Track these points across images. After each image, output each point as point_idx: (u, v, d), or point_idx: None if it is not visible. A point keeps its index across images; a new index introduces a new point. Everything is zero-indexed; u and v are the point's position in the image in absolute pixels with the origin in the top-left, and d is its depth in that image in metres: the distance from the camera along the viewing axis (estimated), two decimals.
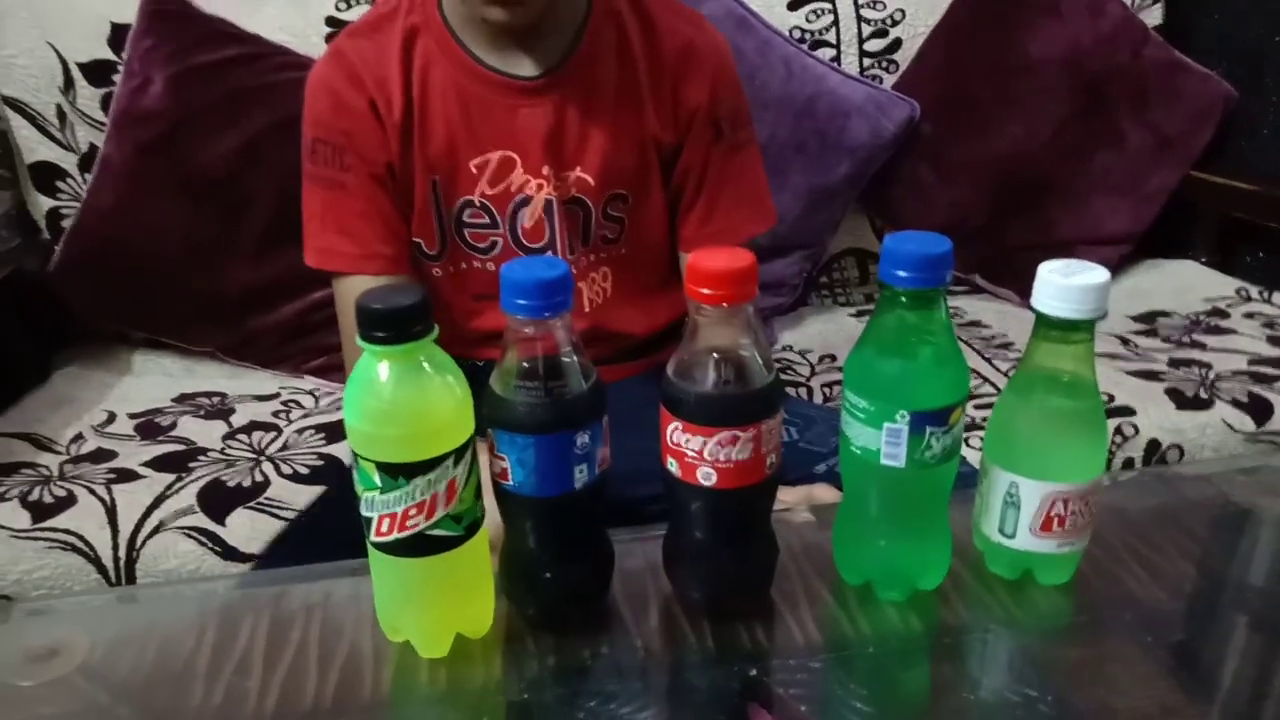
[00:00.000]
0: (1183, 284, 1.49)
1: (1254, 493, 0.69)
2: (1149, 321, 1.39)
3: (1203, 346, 1.28)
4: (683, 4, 0.91)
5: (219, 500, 0.98)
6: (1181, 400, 1.13)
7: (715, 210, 0.90)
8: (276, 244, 1.28)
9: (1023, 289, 1.51)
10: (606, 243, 0.90)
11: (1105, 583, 0.59)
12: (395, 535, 0.50)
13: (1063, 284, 0.53)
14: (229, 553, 0.94)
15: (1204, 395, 1.14)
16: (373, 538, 0.50)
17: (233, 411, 1.19)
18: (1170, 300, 1.44)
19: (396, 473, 0.48)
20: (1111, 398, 1.13)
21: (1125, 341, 1.32)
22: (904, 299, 0.52)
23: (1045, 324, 0.54)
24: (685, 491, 0.53)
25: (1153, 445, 1.09)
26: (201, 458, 1.07)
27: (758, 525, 0.56)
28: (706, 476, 0.52)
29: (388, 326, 0.47)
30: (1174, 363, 1.23)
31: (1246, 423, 1.11)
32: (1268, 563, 0.62)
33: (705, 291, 0.50)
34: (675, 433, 0.52)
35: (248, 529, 0.95)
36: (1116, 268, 1.53)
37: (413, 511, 0.49)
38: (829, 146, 1.38)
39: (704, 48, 0.87)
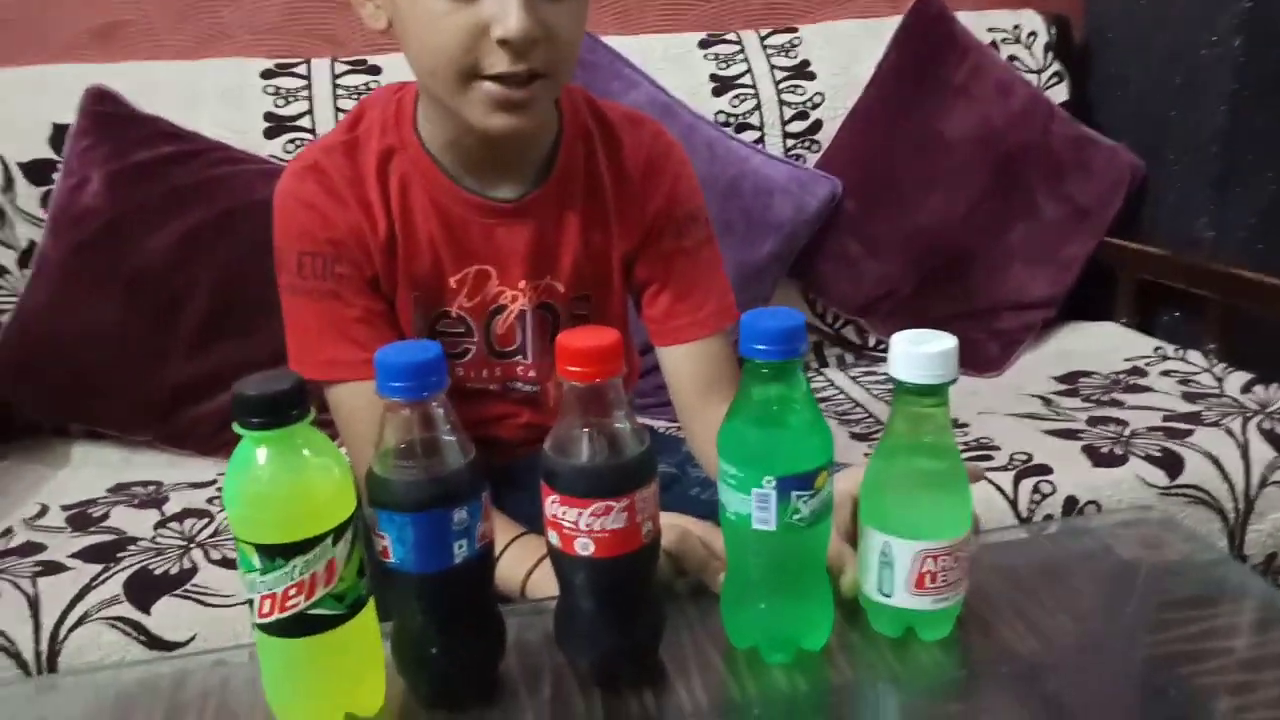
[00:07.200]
0: (1104, 345, 1.55)
1: (1134, 545, 0.71)
2: (1071, 382, 1.43)
3: (1121, 405, 1.32)
4: (641, 113, 0.94)
5: (145, 589, 0.98)
6: (1097, 457, 1.16)
7: (682, 305, 0.91)
8: (213, 336, 1.30)
9: None
10: None
11: (985, 638, 0.61)
12: (276, 616, 0.51)
13: (914, 352, 0.56)
14: (154, 642, 0.94)
15: (1119, 452, 1.17)
16: (255, 619, 0.52)
17: (166, 500, 1.19)
18: (1092, 361, 1.49)
19: (275, 554, 0.50)
20: (1030, 456, 1.16)
21: (1047, 402, 1.36)
22: (765, 370, 0.55)
23: (902, 390, 0.57)
24: (566, 563, 0.55)
25: (1070, 502, 1.12)
26: (131, 547, 1.07)
27: (639, 592, 0.57)
28: (584, 547, 0.54)
29: (264, 412, 0.49)
30: (1092, 421, 1.27)
31: (1159, 477, 1.14)
32: (1141, 614, 0.64)
33: (573, 369, 0.53)
34: (553, 505, 0.54)
35: (173, 617, 0.95)
36: (1041, 331, 1.59)
37: (292, 591, 0.50)
38: (755, 225, 1.44)
39: (662, 158, 0.90)
